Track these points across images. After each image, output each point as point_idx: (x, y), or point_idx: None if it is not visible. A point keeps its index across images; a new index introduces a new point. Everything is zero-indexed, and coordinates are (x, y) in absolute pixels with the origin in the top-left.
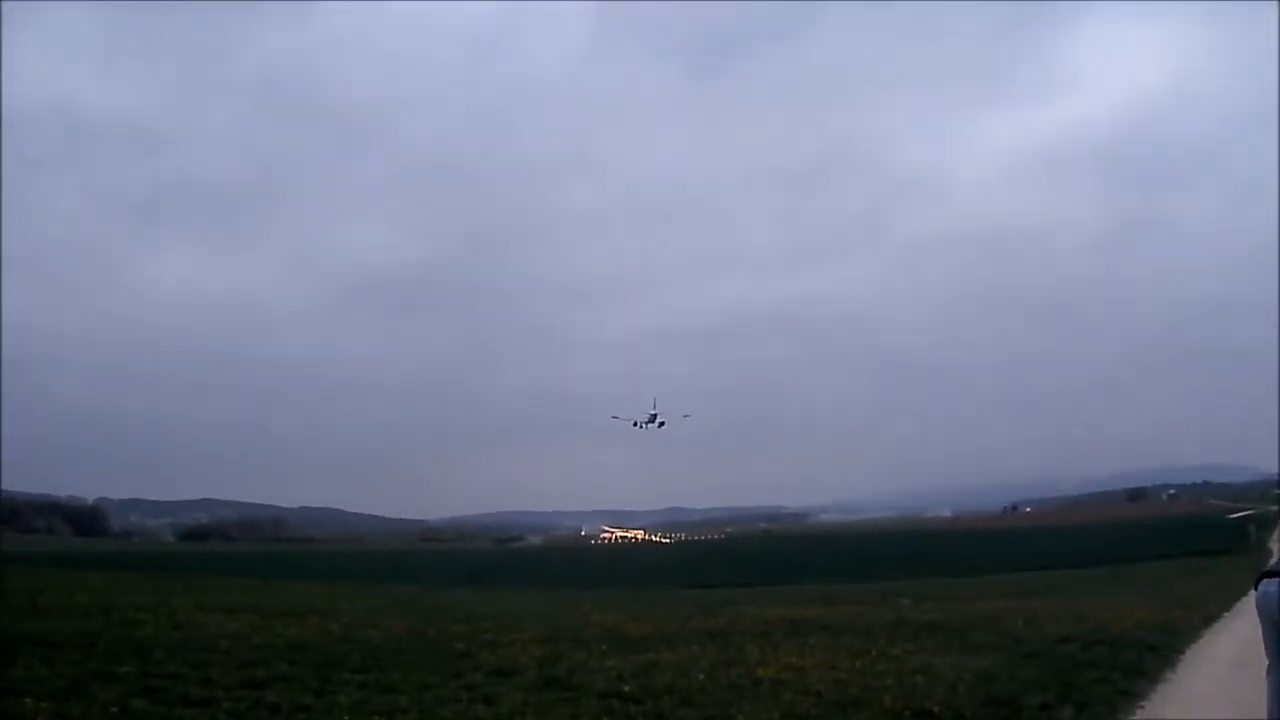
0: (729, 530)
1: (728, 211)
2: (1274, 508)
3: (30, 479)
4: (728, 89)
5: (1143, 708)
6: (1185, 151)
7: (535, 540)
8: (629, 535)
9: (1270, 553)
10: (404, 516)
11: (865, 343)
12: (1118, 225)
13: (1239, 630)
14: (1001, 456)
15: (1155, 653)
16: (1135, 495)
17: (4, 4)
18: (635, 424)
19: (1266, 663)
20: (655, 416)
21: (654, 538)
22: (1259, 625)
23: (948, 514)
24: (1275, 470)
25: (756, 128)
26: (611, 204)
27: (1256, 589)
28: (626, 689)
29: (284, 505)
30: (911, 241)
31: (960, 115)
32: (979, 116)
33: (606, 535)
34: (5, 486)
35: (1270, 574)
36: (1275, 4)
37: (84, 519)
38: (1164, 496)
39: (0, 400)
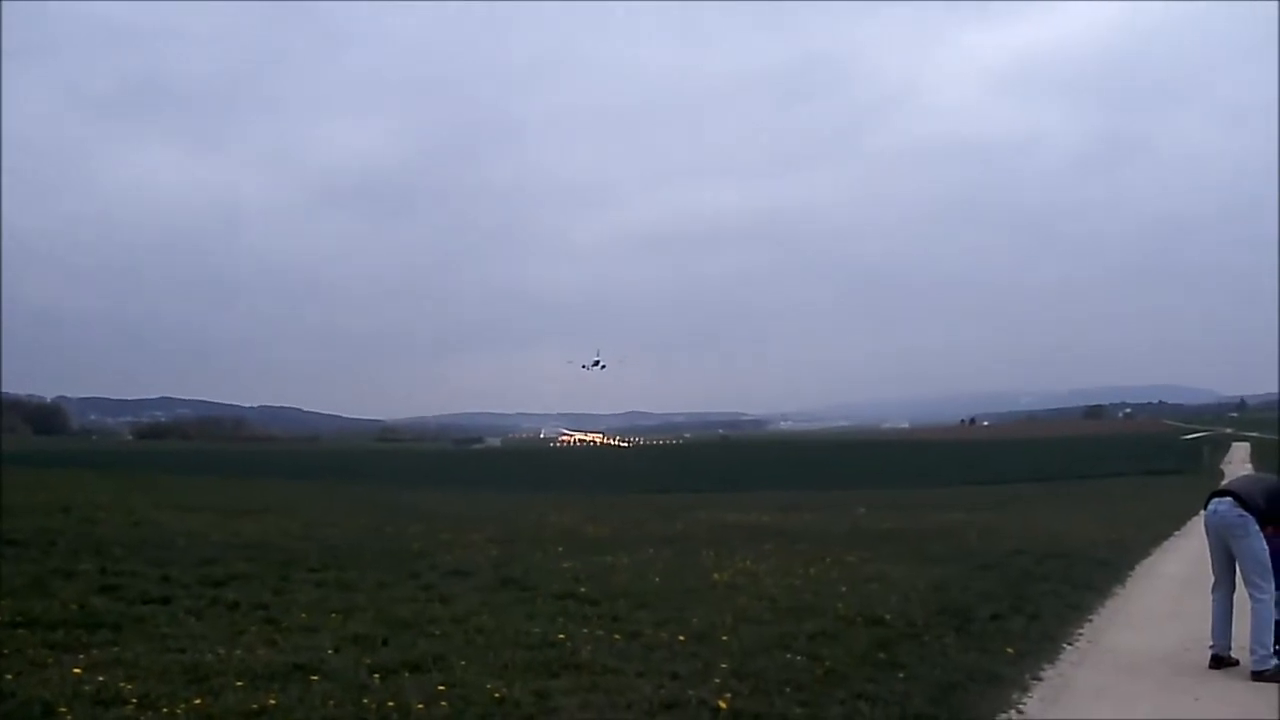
0: (687, 436)
1: (704, 119)
2: (1228, 430)
3: None
4: None
5: (1091, 621)
6: (1169, 72)
7: (494, 442)
8: (588, 439)
9: (1222, 474)
10: (364, 416)
11: (833, 253)
12: (1094, 144)
13: (1189, 549)
14: (961, 370)
15: (1106, 568)
16: (1092, 412)
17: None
18: (583, 366)
19: (1213, 579)
20: (599, 362)
21: (613, 441)
22: (1207, 544)
23: (905, 425)
24: (1230, 393)
25: (736, 36)
26: (588, 109)
27: (1207, 508)
28: (583, 590)
29: (244, 404)
30: (887, 154)
31: (943, 28)
32: (962, 30)
33: (565, 438)
34: None
35: (1219, 493)
36: None
37: (43, 417)
38: (1120, 415)
39: None
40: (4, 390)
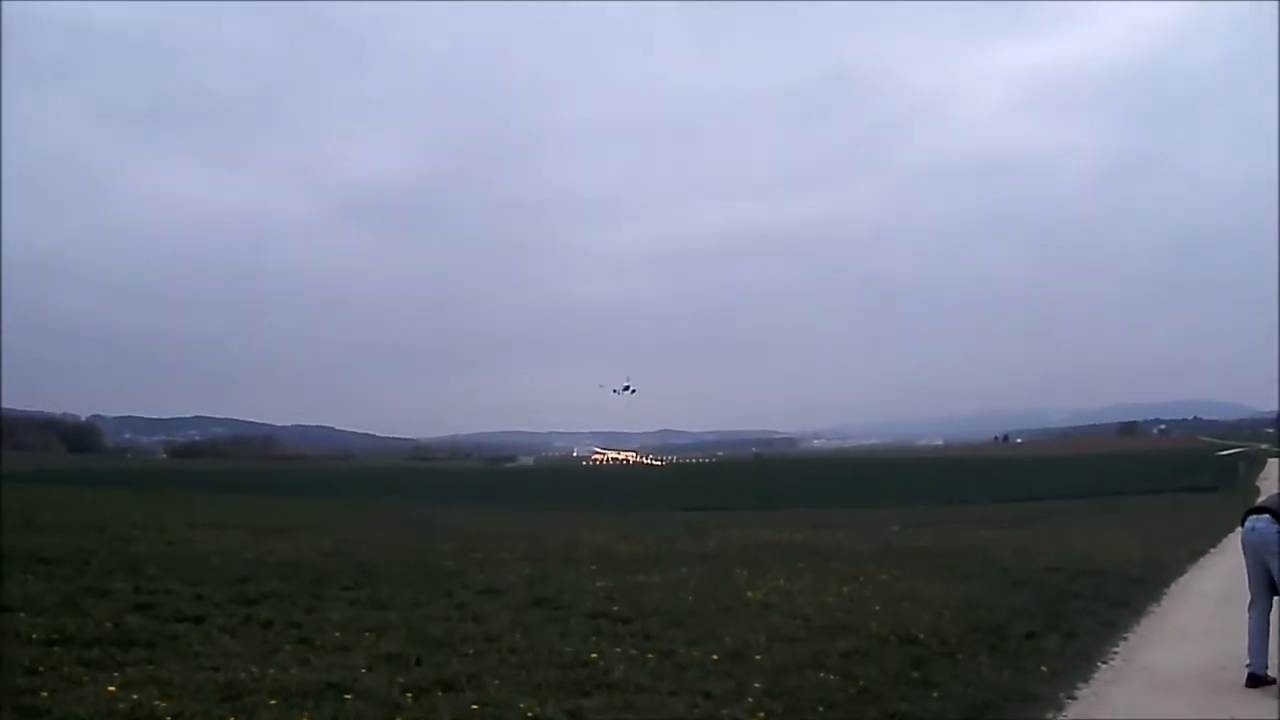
0: (720, 454)
1: (729, 134)
2: (1264, 446)
3: (26, 395)
4: (734, 8)
5: (1126, 639)
6: (1191, 87)
7: (527, 460)
8: (621, 457)
9: (1258, 491)
10: (397, 435)
11: (863, 270)
12: (1120, 159)
13: (1224, 566)
14: (994, 387)
15: (1141, 586)
16: (1127, 429)
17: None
18: (614, 391)
19: (1249, 597)
20: (629, 387)
21: (646, 460)
22: (1244, 562)
23: (939, 442)
24: (1265, 408)
25: (761, 50)
26: (614, 124)
27: (1243, 525)
28: (615, 609)
29: (277, 423)
30: (914, 169)
31: (969, 43)
32: (988, 45)
33: (598, 456)
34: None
35: (1257, 510)
36: None
37: (78, 436)
38: (1155, 431)
39: None
40: (41, 409)
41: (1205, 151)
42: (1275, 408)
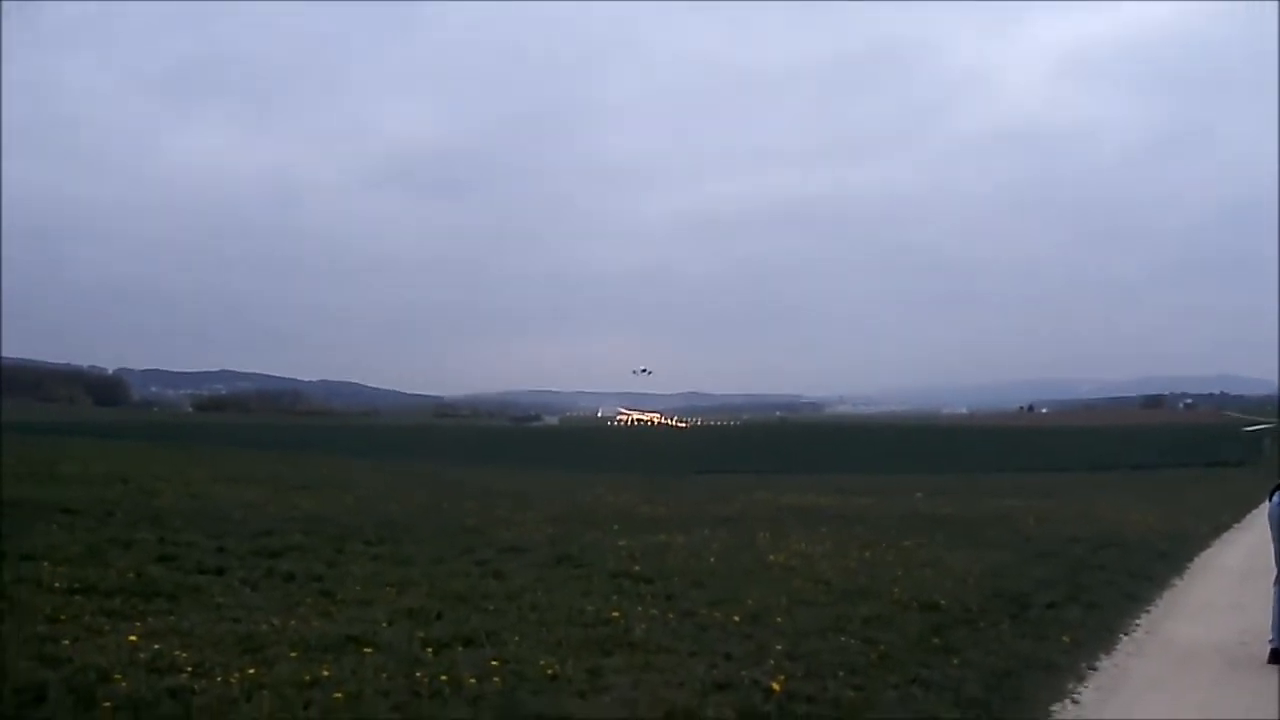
0: (745, 417)
1: (768, 104)
2: None
3: (54, 348)
4: None
5: (1149, 611)
6: (1231, 60)
7: (552, 420)
8: (646, 418)
9: None
10: (422, 392)
11: (894, 239)
12: (1157, 132)
13: (1248, 542)
14: (1020, 357)
15: (1164, 559)
16: (1152, 402)
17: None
18: (633, 372)
19: (1274, 572)
20: (646, 369)
21: (670, 422)
22: (1269, 537)
23: (964, 411)
24: None
25: (802, 18)
26: (650, 91)
27: (1271, 500)
28: (637, 569)
29: (303, 379)
30: (948, 140)
31: (1010, 14)
32: (1029, 16)
33: (623, 417)
34: (30, 355)
35: None
36: None
37: (104, 389)
38: (1181, 405)
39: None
40: (68, 361)
41: (1241, 127)
42: None
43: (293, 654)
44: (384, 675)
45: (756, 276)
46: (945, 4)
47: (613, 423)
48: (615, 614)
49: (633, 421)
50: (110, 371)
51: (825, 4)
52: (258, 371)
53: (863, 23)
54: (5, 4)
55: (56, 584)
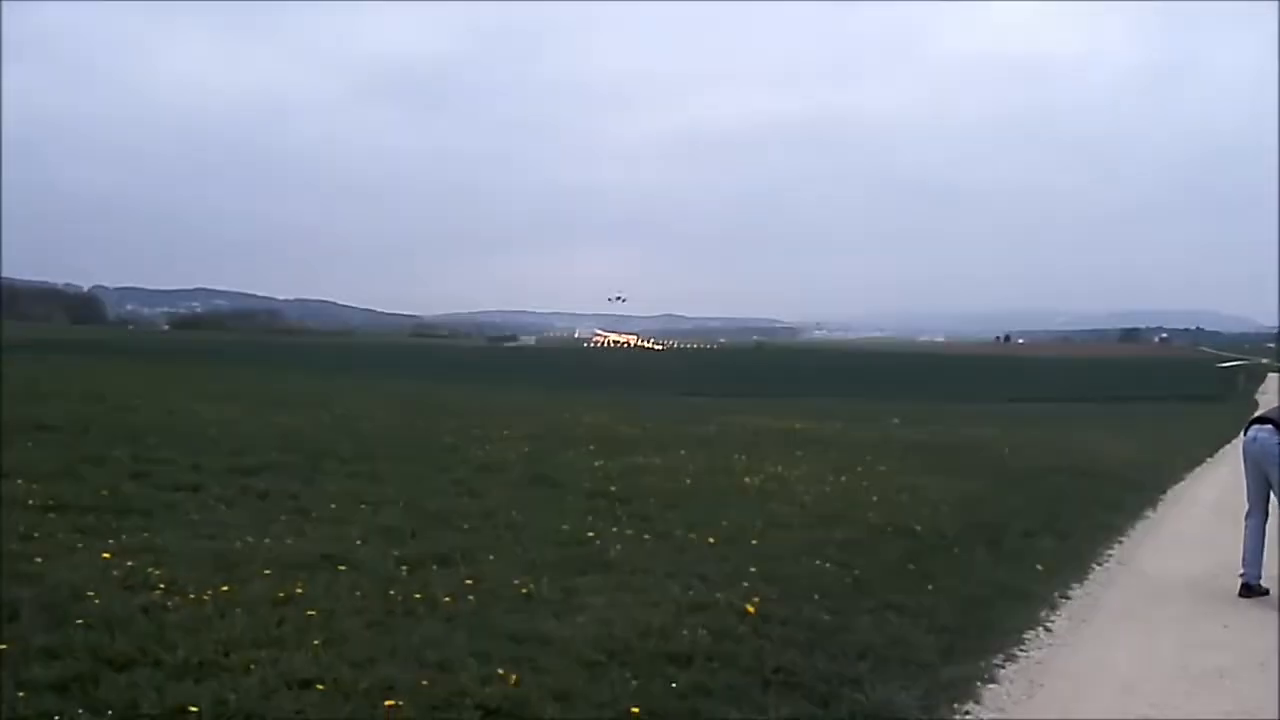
0: (722, 340)
1: (755, 23)
2: (1264, 360)
3: (31, 265)
4: None
5: (1121, 543)
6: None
7: (529, 340)
8: (622, 340)
9: (1256, 404)
10: (399, 312)
11: (877, 163)
12: (1150, 63)
13: (1221, 476)
14: (997, 287)
15: (1138, 491)
16: (1128, 335)
17: None
18: (608, 299)
19: (1246, 507)
20: (620, 296)
21: (647, 344)
22: (1242, 471)
23: (940, 339)
24: (1268, 324)
25: None
26: (636, 9)
27: (1246, 434)
28: (613, 489)
29: (279, 297)
30: (940, 63)
31: None
32: None
33: (600, 339)
34: (5, 273)
35: (1261, 420)
36: None
37: (80, 307)
38: (1156, 339)
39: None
40: (44, 279)
41: (1230, 62)
42: (1277, 323)
43: (267, 571)
44: (358, 594)
45: (737, 200)
46: None
47: (589, 344)
48: (591, 534)
49: (609, 343)
50: (86, 289)
51: None
52: (234, 290)
53: None
54: None
55: (31, 501)
